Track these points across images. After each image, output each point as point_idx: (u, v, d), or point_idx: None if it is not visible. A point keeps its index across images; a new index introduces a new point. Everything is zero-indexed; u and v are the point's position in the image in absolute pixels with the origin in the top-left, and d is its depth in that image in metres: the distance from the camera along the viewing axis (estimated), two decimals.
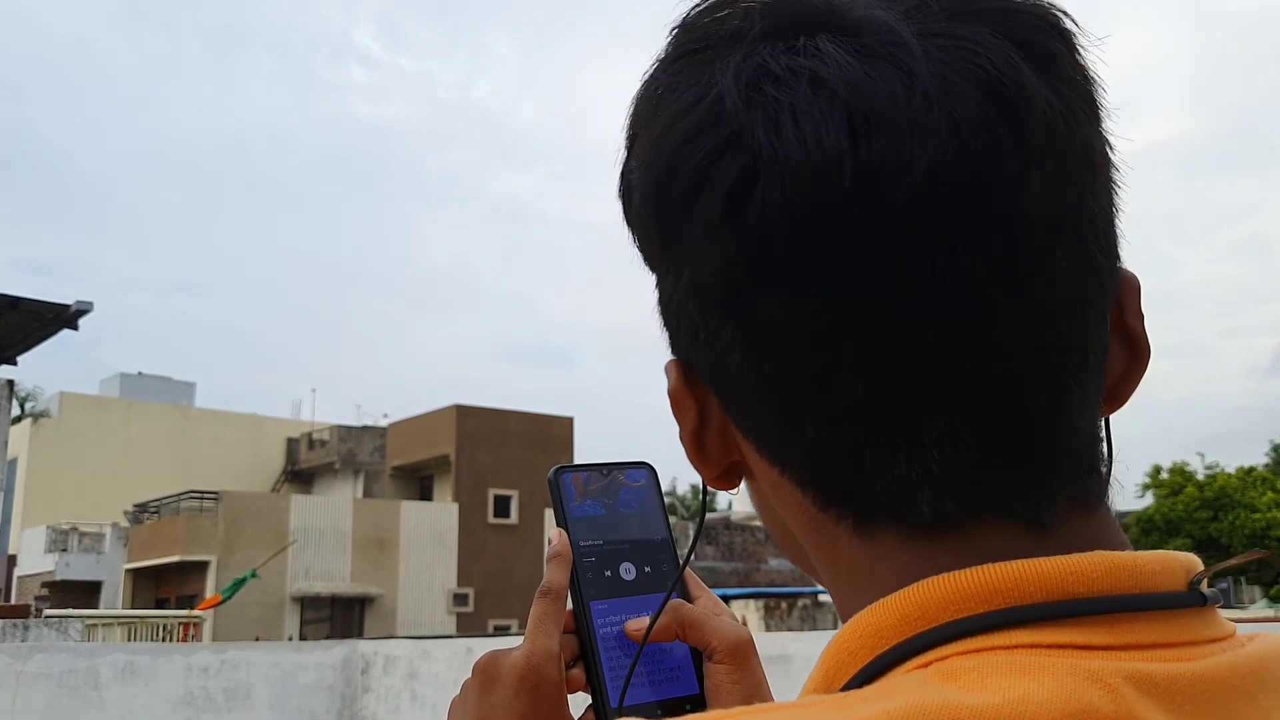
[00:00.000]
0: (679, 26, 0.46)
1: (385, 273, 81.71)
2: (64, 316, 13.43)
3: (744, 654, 0.69)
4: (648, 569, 0.72)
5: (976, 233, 0.39)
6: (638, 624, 0.69)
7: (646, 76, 0.46)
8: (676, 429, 0.49)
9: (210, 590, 23.22)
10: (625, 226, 0.50)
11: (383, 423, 33.96)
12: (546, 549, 0.72)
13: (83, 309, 13.40)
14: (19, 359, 14.62)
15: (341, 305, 79.52)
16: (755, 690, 0.68)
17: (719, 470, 0.49)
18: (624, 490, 0.74)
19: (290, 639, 22.35)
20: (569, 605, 0.70)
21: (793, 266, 0.41)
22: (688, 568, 0.72)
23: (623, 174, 0.49)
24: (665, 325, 0.48)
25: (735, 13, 0.44)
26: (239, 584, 19.35)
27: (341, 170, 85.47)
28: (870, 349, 0.41)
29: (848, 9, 0.42)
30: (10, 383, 12.42)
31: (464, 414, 29.67)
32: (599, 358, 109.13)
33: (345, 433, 33.90)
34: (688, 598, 0.71)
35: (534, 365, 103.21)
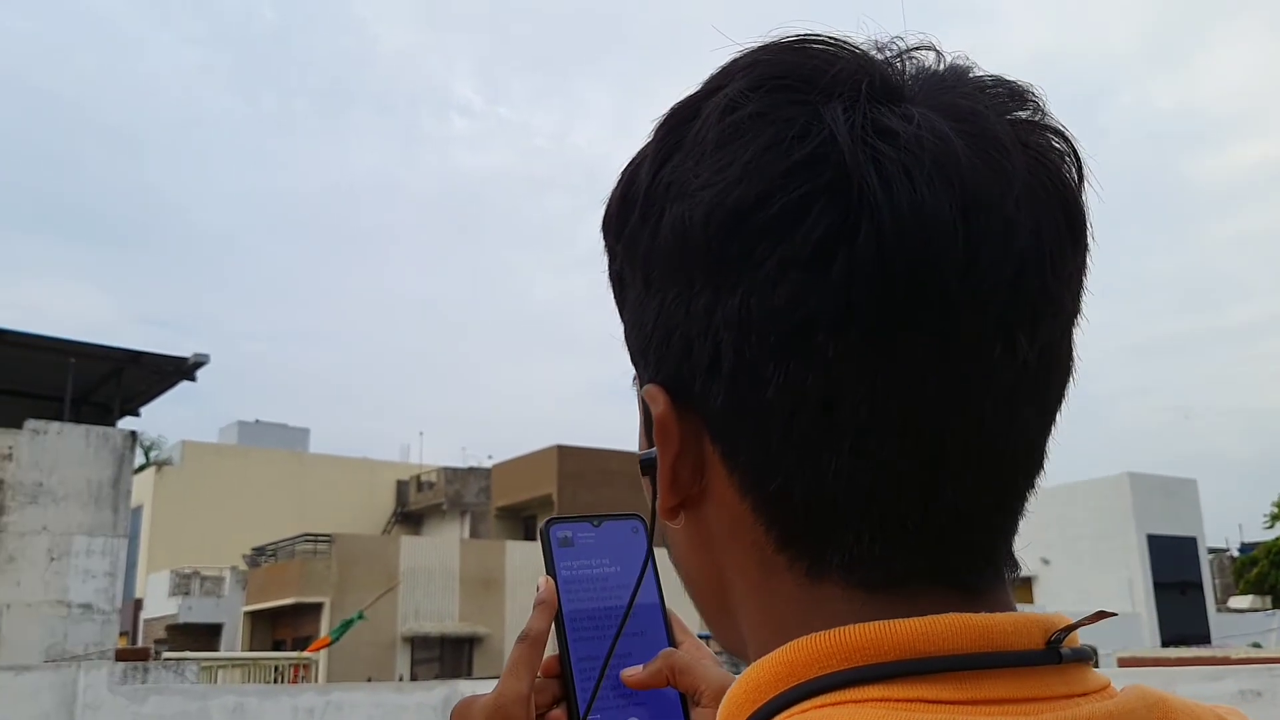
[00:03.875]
0: (764, 60, 0.46)
1: (487, 317, 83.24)
2: (183, 369, 14.06)
3: None
4: (631, 616, 0.72)
5: (1034, 323, 0.44)
6: (631, 671, 0.70)
7: (720, 95, 0.46)
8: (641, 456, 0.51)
9: (324, 631, 23.74)
10: (616, 229, 0.50)
11: (487, 464, 34.45)
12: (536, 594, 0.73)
13: (199, 361, 14.00)
14: (141, 410, 15.32)
15: (447, 349, 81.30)
16: None
17: (679, 500, 0.49)
18: (613, 541, 0.76)
19: (401, 679, 22.69)
20: (552, 651, 0.71)
21: (870, 320, 0.41)
22: (671, 611, 0.74)
23: (645, 178, 0.48)
24: (656, 347, 0.47)
25: (845, 63, 0.45)
26: (347, 625, 19.75)
27: (446, 218, 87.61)
28: (919, 414, 0.43)
29: (951, 96, 0.45)
30: (134, 434, 12.99)
31: (565, 454, 29.94)
32: None
33: (451, 474, 34.45)
34: (673, 643, 0.73)
35: (633, 404, 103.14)
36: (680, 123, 0.47)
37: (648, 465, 0.51)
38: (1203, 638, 27.00)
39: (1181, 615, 28.98)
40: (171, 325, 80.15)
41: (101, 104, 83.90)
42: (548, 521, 0.75)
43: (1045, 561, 29.13)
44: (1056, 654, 0.43)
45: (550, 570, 0.73)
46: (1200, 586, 29.97)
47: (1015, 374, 0.44)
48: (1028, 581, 29.61)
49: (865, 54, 0.46)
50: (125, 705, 8.49)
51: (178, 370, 14.15)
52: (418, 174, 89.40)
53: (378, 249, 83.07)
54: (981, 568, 0.46)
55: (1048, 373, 0.46)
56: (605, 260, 0.52)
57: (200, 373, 14.15)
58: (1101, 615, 0.47)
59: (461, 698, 0.72)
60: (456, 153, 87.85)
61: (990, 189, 0.42)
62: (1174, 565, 29.24)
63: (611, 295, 0.52)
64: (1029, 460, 0.47)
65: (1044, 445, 0.47)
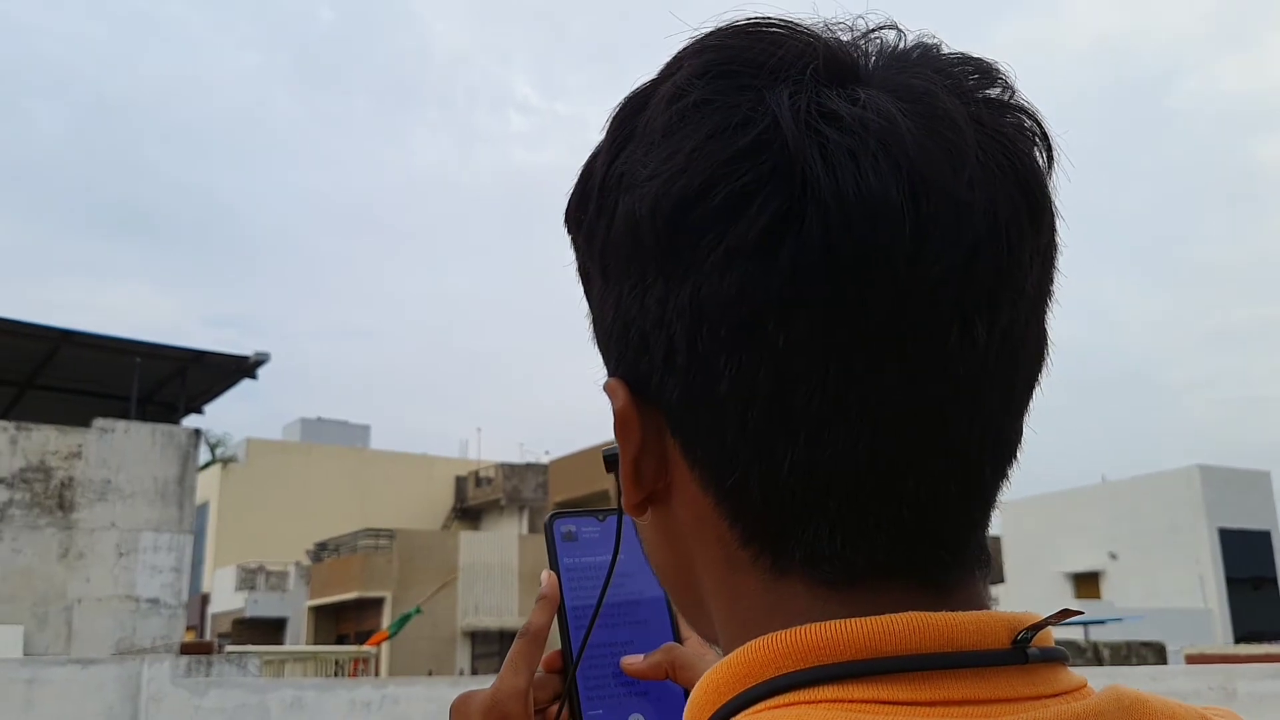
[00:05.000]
0: (712, 46, 0.45)
1: (545, 313, 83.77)
2: (244, 367, 14.34)
3: None
4: (634, 610, 0.73)
5: (992, 308, 0.42)
6: (631, 659, 0.70)
7: (668, 83, 0.45)
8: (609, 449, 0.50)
9: (385, 626, 24.09)
10: (575, 222, 0.49)
11: (545, 460, 34.66)
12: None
13: (260, 359, 14.26)
14: (205, 408, 15.64)
15: (505, 346, 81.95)
16: None
17: (644, 495, 0.48)
18: (615, 534, 0.74)
19: (460, 673, 22.94)
20: (555, 647, 0.71)
21: (819, 308, 0.41)
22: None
23: (600, 170, 0.47)
24: (615, 340, 0.47)
25: (791, 46, 0.44)
26: (404, 620, 20.05)
27: (503, 214, 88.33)
28: (874, 404, 0.41)
29: (906, 76, 0.44)
30: (198, 431, 13.26)
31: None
32: None
33: (509, 470, 34.75)
34: (678, 638, 0.72)
35: None
36: (632, 113, 0.47)
37: (611, 461, 0.50)
38: (1278, 634, 26.26)
39: (1255, 611, 28.35)
40: (235, 325, 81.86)
41: (166, 108, 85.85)
42: (551, 515, 0.75)
43: (1113, 556, 28.64)
44: (1023, 654, 0.42)
45: (553, 564, 0.73)
46: (1275, 581, 29.25)
47: (975, 361, 0.42)
48: (1094, 576, 29.16)
49: (817, 36, 0.45)
50: (187, 698, 8.67)
51: (239, 369, 14.42)
52: (475, 170, 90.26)
53: (436, 246, 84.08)
54: (948, 562, 0.44)
55: (1012, 359, 0.44)
56: (573, 256, 0.52)
57: (262, 371, 14.43)
58: (1067, 613, 0.44)
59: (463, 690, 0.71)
60: (513, 149, 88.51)
61: (940, 170, 0.41)
62: (1247, 560, 28.59)
63: (581, 291, 0.52)
64: (996, 450, 0.45)
65: (1014, 434, 0.46)
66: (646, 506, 0.49)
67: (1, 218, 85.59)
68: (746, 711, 0.41)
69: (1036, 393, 0.47)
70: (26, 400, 15.06)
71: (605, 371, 0.50)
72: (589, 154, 0.49)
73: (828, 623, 0.41)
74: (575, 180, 0.50)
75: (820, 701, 0.40)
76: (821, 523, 0.43)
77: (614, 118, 0.48)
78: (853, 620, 0.41)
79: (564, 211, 0.51)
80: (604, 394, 0.48)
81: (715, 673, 0.44)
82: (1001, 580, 30.58)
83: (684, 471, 0.46)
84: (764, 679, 0.41)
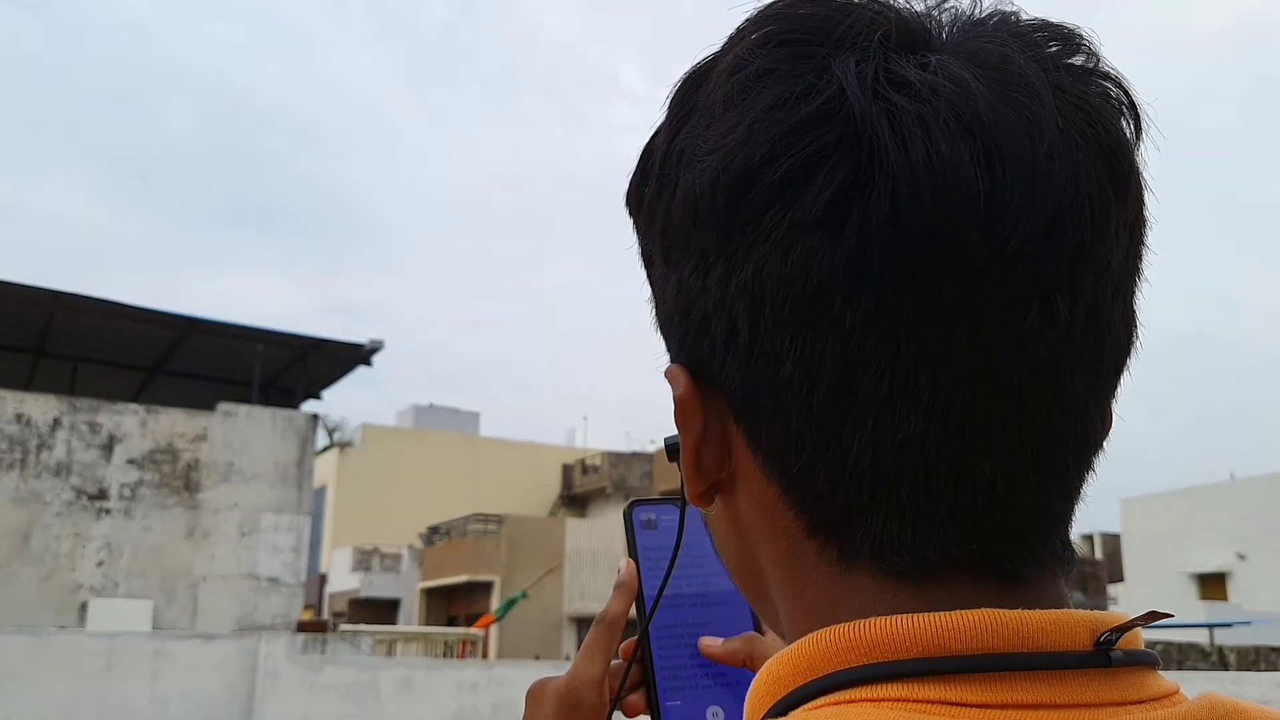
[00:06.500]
0: (776, 15, 0.43)
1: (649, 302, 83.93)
2: (360, 354, 14.75)
3: None
4: (713, 599, 0.72)
5: (1074, 283, 0.40)
6: (710, 641, 0.70)
7: (729, 55, 0.43)
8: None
9: (493, 609, 24.54)
10: (636, 203, 0.48)
11: (650, 449, 34.79)
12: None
13: (375, 347, 14.64)
14: (323, 394, 16.14)
15: (611, 335, 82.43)
16: None
17: (707, 485, 0.47)
18: (698, 523, 0.72)
19: (567, 657, 23.22)
20: (632, 634, 0.71)
21: (888, 284, 0.39)
22: None
23: (660, 148, 0.46)
24: (677, 324, 0.45)
25: (860, 13, 0.42)
26: (510, 604, 20.36)
27: (609, 204, 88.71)
28: (947, 385, 0.39)
29: (981, 42, 0.42)
30: (316, 416, 13.68)
31: None
32: None
33: (615, 459, 34.99)
34: (759, 630, 0.71)
35: None
36: (693, 88, 0.45)
37: (673, 450, 0.49)
38: None
39: None
40: (353, 313, 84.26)
41: (286, 104, 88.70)
42: (631, 503, 0.75)
43: (1241, 557, 27.38)
44: (1105, 656, 0.39)
45: (632, 552, 0.72)
46: None
47: (1056, 339, 0.40)
48: (1221, 577, 27.96)
49: (886, 3, 0.43)
50: (302, 675, 8.97)
51: (355, 356, 14.83)
52: (583, 160, 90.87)
53: (544, 236, 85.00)
54: (1025, 557, 0.42)
55: (1098, 340, 0.41)
56: (635, 240, 0.50)
57: (377, 358, 14.80)
58: (1154, 616, 0.41)
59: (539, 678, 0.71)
60: (620, 138, 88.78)
61: (1017, 138, 0.39)
62: None
63: (644, 276, 0.50)
64: (1080, 438, 0.42)
65: (1100, 422, 0.43)
66: (710, 496, 0.47)
67: (133, 211, 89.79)
68: (807, 705, 0.40)
69: (1125, 378, 0.44)
70: (155, 384, 15.75)
71: (667, 357, 0.48)
72: (651, 134, 0.48)
73: (896, 617, 0.39)
74: (635, 161, 0.48)
75: (885, 700, 0.38)
76: (891, 512, 0.41)
77: (674, 94, 0.46)
78: (922, 615, 0.39)
79: (625, 194, 0.49)
80: (665, 380, 0.47)
81: (777, 663, 0.42)
82: (1120, 579, 29.59)
83: (747, 459, 0.44)
84: (826, 672, 0.40)
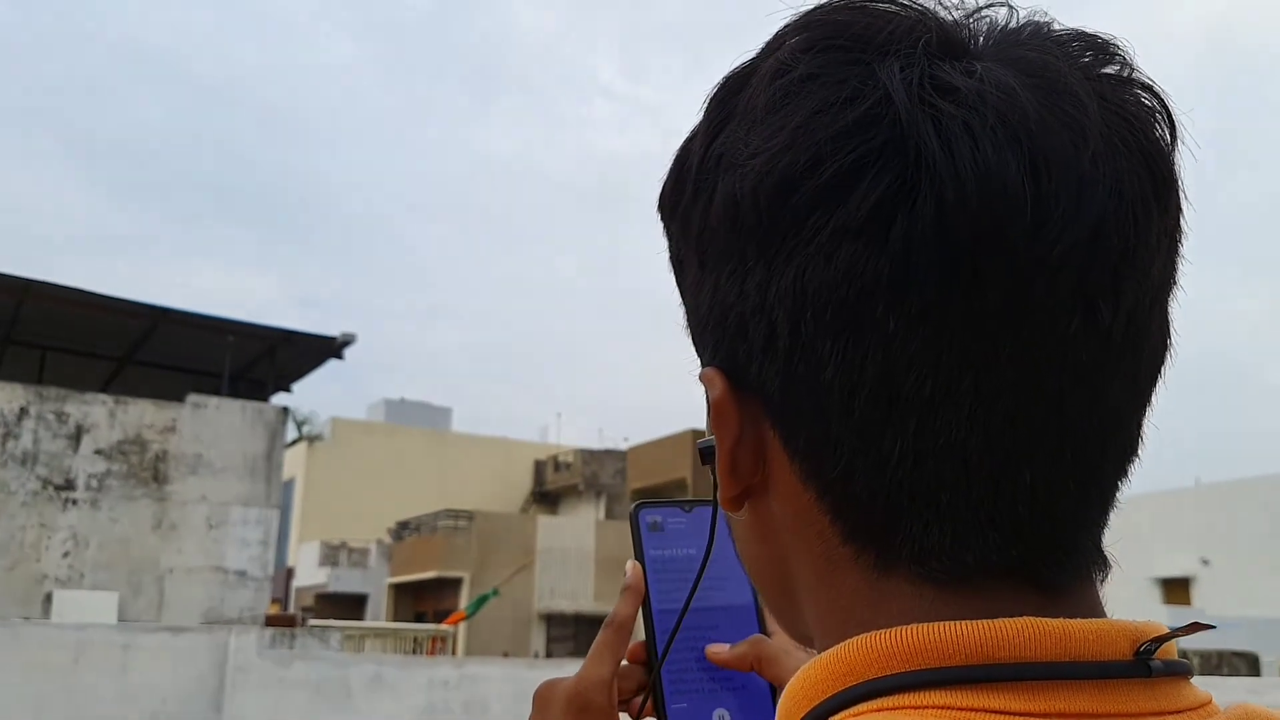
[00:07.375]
0: (816, 21, 0.43)
1: (626, 299, 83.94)
2: (331, 347, 14.65)
3: None
4: (720, 603, 0.72)
5: (1117, 291, 0.40)
6: (717, 648, 0.69)
7: (771, 60, 0.43)
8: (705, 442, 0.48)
9: (463, 606, 24.45)
10: (670, 207, 0.48)
11: (623, 446, 34.78)
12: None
13: (346, 340, 14.54)
14: (294, 387, 16.02)
15: (585, 331, 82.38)
16: None
17: (741, 489, 0.47)
18: (704, 526, 0.73)
19: (536, 655, 23.18)
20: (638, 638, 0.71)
21: (932, 289, 0.39)
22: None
23: (698, 152, 0.45)
24: (712, 328, 0.45)
25: (901, 21, 0.42)
26: (482, 601, 20.31)
27: (586, 200, 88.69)
28: (990, 392, 0.40)
29: (1021, 49, 0.42)
30: (286, 409, 13.57)
31: (699, 438, 29.85)
32: None
33: (588, 456, 34.93)
34: (765, 632, 0.71)
35: None
36: (732, 92, 0.45)
37: (707, 453, 0.49)
38: None
39: None
40: (323, 305, 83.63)
41: (261, 93, 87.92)
42: (637, 505, 0.74)
43: (1205, 562, 27.73)
44: (1145, 666, 0.40)
45: (639, 555, 0.72)
46: None
47: (1098, 347, 0.40)
48: (1185, 582, 28.30)
49: (927, 10, 0.44)
50: (271, 669, 8.91)
51: (327, 349, 14.73)
52: (559, 156, 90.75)
53: (520, 230, 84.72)
54: (1065, 564, 0.42)
55: (1137, 347, 0.42)
56: (665, 244, 0.50)
57: (348, 352, 14.71)
58: (1197, 627, 0.41)
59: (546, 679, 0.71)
60: (597, 135, 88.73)
61: (1062, 145, 0.39)
62: None
63: (674, 280, 0.50)
64: (1118, 445, 0.43)
65: (1136, 429, 0.44)
66: (743, 501, 0.47)
67: (105, 199, 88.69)
68: (846, 712, 0.39)
69: (1159, 386, 0.44)
70: (125, 375, 15.58)
71: (700, 362, 0.48)
72: (685, 137, 0.47)
73: (939, 624, 0.39)
74: (670, 165, 0.48)
75: (928, 708, 0.38)
76: (931, 518, 0.41)
77: (712, 98, 0.46)
78: (964, 623, 0.39)
79: (658, 198, 0.49)
80: (699, 383, 0.47)
81: (813, 668, 0.42)
82: None
83: (783, 464, 0.44)
84: (866, 679, 0.40)
